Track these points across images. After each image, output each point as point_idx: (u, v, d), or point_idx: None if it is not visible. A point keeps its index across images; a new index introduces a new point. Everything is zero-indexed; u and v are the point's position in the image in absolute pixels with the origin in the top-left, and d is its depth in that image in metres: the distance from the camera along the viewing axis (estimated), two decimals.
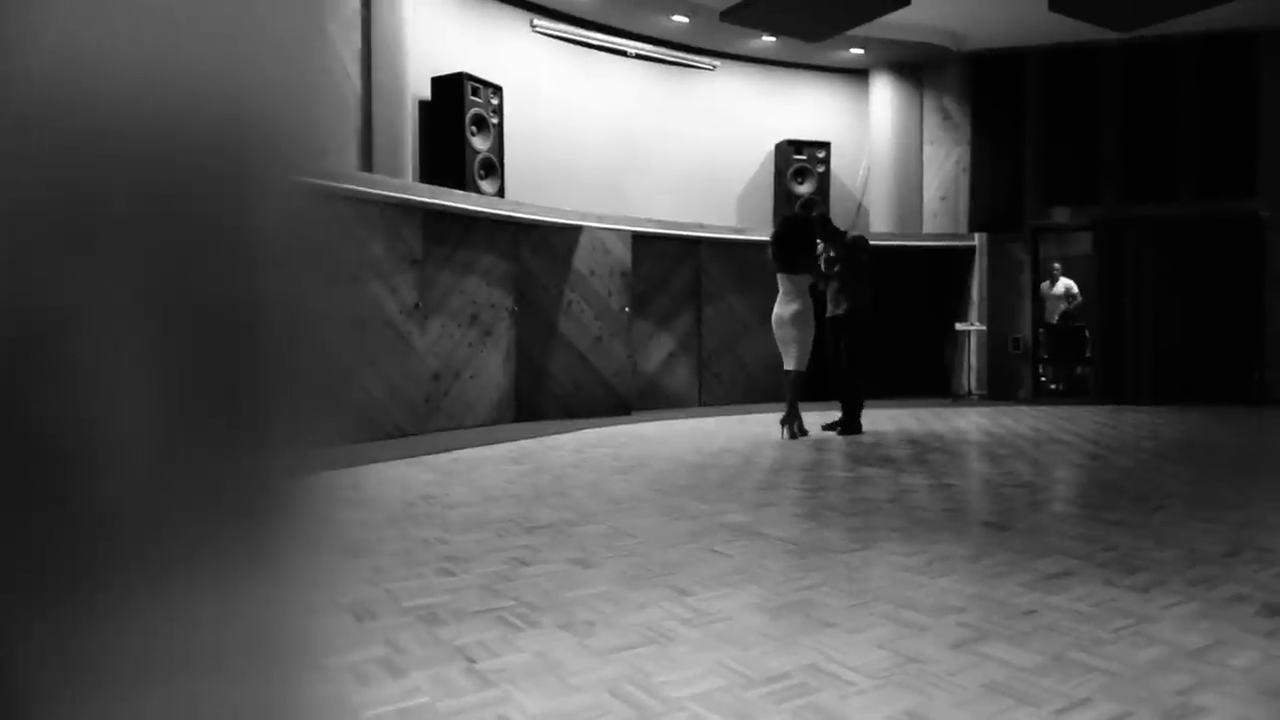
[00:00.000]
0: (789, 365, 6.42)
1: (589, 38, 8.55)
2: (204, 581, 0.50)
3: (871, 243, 6.95)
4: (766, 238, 8.87)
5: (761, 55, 9.54)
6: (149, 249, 0.46)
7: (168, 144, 0.47)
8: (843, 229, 7.00)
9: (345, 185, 5.80)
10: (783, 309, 6.43)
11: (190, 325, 0.48)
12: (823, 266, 6.68)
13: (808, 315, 6.39)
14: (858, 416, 6.70)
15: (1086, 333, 10.32)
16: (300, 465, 0.55)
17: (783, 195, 9.47)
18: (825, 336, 6.74)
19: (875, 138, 10.02)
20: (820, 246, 6.74)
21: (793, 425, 6.41)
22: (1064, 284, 10.90)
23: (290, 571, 0.54)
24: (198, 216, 0.48)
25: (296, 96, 0.53)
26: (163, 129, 0.46)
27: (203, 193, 0.48)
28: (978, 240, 9.72)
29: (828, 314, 6.75)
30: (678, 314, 8.71)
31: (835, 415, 6.91)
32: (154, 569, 0.47)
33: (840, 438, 6.49)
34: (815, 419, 6.87)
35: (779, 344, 6.51)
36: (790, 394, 6.41)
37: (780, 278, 6.46)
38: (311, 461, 0.55)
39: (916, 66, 9.91)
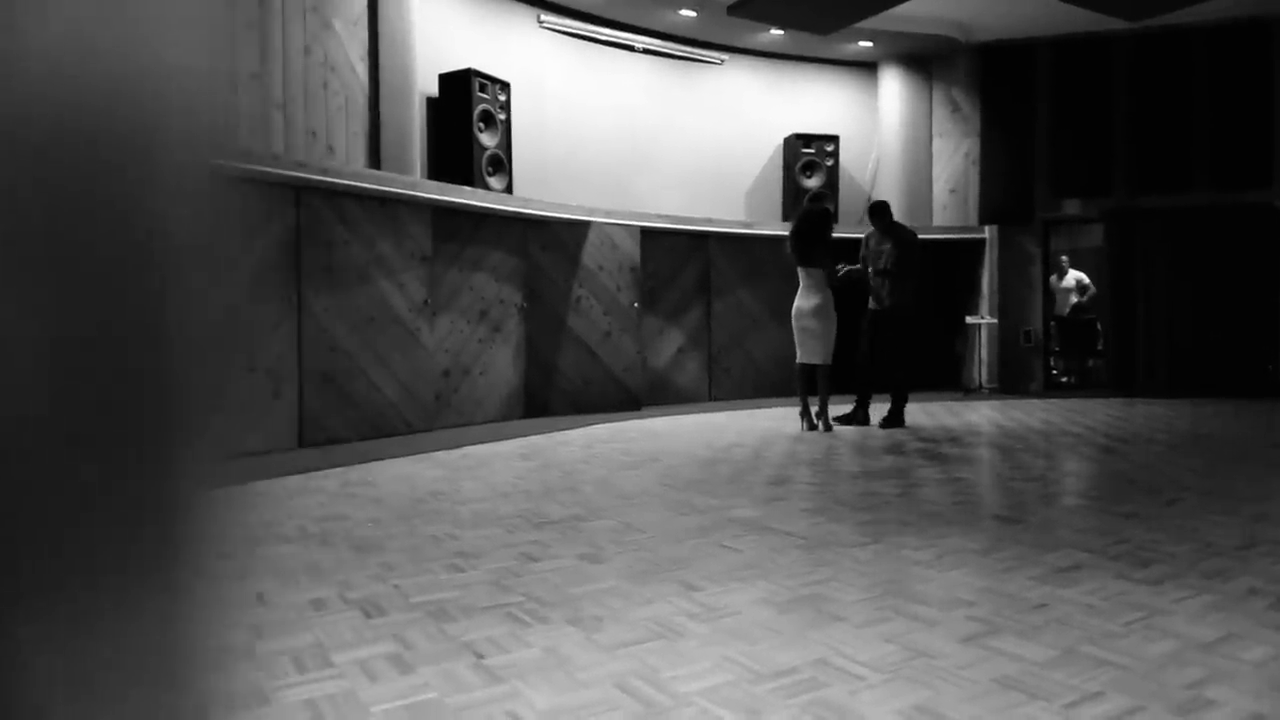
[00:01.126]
0: (811, 359, 6.44)
1: (596, 33, 8.54)
2: (96, 590, 0.48)
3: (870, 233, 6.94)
4: (775, 232, 8.89)
5: (769, 49, 9.51)
6: (39, 245, 0.44)
7: (51, 135, 0.45)
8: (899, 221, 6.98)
9: (354, 183, 5.81)
10: (804, 302, 6.44)
11: (85, 325, 0.46)
12: (884, 262, 6.68)
13: (829, 309, 6.41)
14: (901, 409, 6.73)
15: (1098, 325, 10.26)
16: (202, 471, 0.53)
17: (791, 189, 9.44)
18: (866, 329, 6.80)
19: (884, 131, 9.98)
20: (877, 240, 6.76)
21: (826, 418, 6.47)
22: (1073, 276, 10.84)
23: (187, 581, 0.53)
24: (90, 212, 0.46)
25: (190, 81, 0.51)
26: (47, 118, 0.45)
27: (95, 186, 0.46)
28: (988, 233, 9.66)
29: (871, 307, 6.78)
30: (687, 309, 8.70)
31: (848, 409, 6.91)
32: (45, 578, 0.46)
33: (853, 429, 6.54)
34: (839, 412, 6.84)
35: (797, 337, 6.52)
36: (822, 388, 6.46)
37: (800, 272, 6.48)
38: (214, 467, 0.53)
39: (925, 58, 9.86)
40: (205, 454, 0.53)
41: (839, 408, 6.98)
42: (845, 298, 6.80)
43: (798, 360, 6.54)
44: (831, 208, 7.13)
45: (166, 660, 0.53)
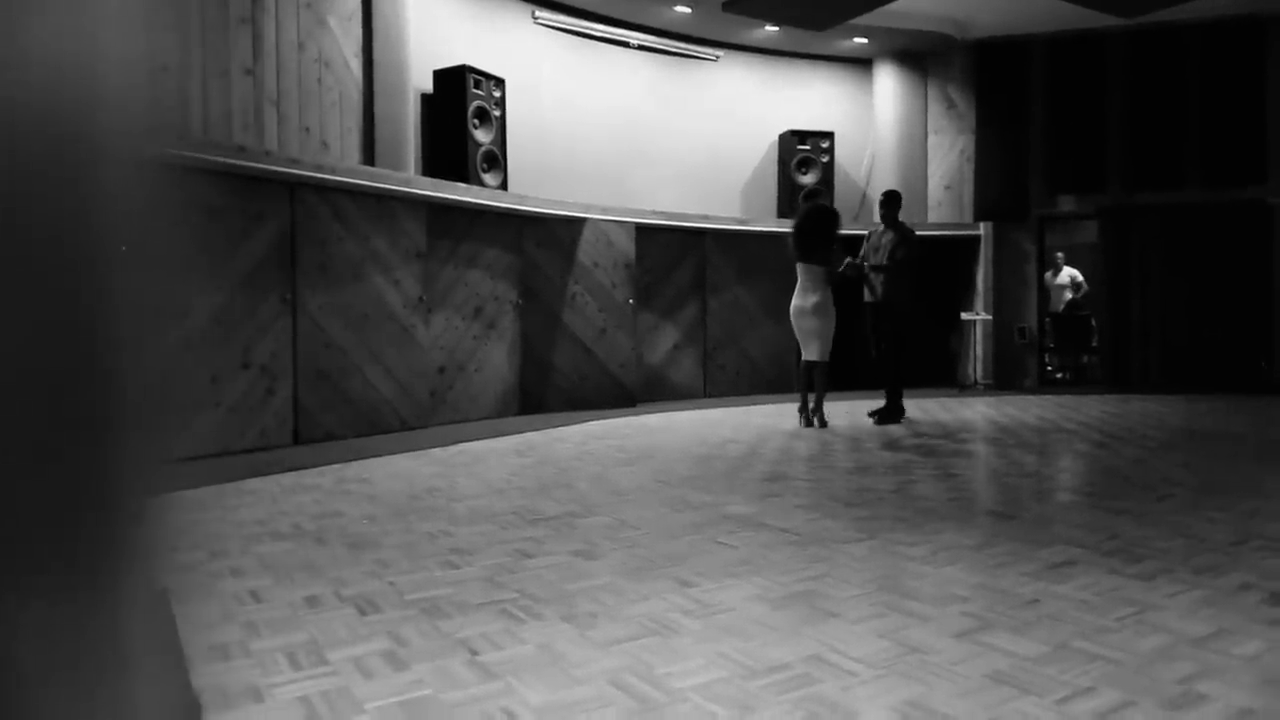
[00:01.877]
0: (811, 356, 6.47)
1: (591, 29, 8.53)
2: (33, 590, 0.47)
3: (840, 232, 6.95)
4: (770, 228, 8.89)
5: (764, 45, 9.50)
6: None
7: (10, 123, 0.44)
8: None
9: (349, 179, 5.80)
10: (803, 300, 6.46)
11: (24, 324, 0.46)
12: (882, 256, 6.72)
13: (828, 306, 6.43)
14: (898, 404, 6.76)
15: (1092, 321, 10.29)
16: (142, 471, 0.52)
17: (787, 186, 9.44)
18: (868, 323, 6.84)
19: (879, 127, 9.98)
20: (886, 235, 6.79)
21: (820, 415, 6.48)
22: (1068, 273, 10.87)
23: (125, 580, 0.52)
24: (30, 211, 0.46)
25: (127, 77, 0.50)
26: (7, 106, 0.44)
27: (34, 184, 0.46)
28: (983, 229, 9.68)
29: (867, 300, 6.82)
30: (682, 305, 8.70)
31: (874, 404, 6.97)
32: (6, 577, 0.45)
33: (874, 426, 6.57)
34: (838, 408, 6.85)
35: (799, 334, 6.54)
36: (819, 384, 6.48)
37: (800, 268, 6.49)
38: (153, 467, 0.53)
39: (920, 55, 9.86)
40: (144, 451, 0.52)
41: (869, 403, 6.96)
42: (843, 294, 6.82)
43: (804, 358, 6.57)
44: (895, 194, 7.07)
45: (105, 658, 0.52)
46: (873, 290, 6.79)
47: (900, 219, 6.86)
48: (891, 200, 6.86)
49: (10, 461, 0.45)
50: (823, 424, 6.46)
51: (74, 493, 0.49)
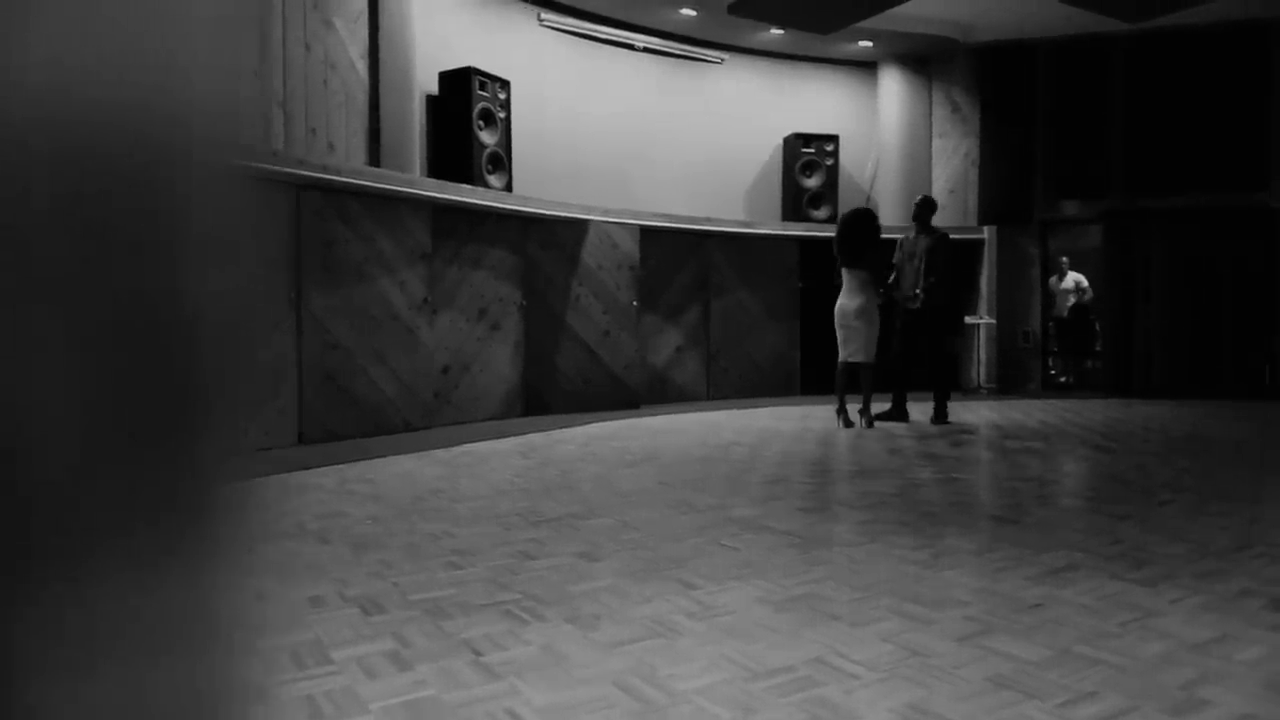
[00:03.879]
0: (854, 358, 6.56)
1: (597, 31, 8.54)
2: (123, 580, 0.49)
3: (882, 235, 7.01)
4: (774, 231, 8.91)
5: (769, 48, 9.52)
6: (68, 246, 0.45)
7: (82, 135, 0.45)
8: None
9: (354, 180, 5.82)
10: (848, 302, 6.56)
11: (112, 322, 0.47)
12: (919, 261, 6.84)
13: (872, 310, 6.53)
14: (945, 405, 6.91)
15: (1096, 326, 10.28)
16: (224, 465, 0.53)
17: (791, 189, 9.45)
18: (900, 329, 6.96)
19: (884, 131, 9.99)
20: (921, 240, 6.89)
21: (869, 415, 6.59)
22: (1073, 278, 10.85)
23: (211, 570, 0.54)
24: (116, 211, 0.47)
25: (214, 83, 0.52)
26: (75, 119, 0.45)
27: (120, 185, 0.47)
28: (987, 233, 9.68)
29: (911, 306, 6.93)
30: (686, 308, 8.71)
31: (885, 407, 7.06)
32: (73, 567, 0.47)
33: (881, 426, 6.68)
34: (832, 410, 6.86)
35: (840, 336, 6.63)
36: (865, 385, 6.57)
37: (845, 272, 6.59)
38: (235, 462, 0.54)
39: (925, 59, 9.87)
40: (226, 448, 0.54)
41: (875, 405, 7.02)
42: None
43: (840, 359, 6.65)
44: (929, 199, 7.17)
45: (190, 653, 0.54)
46: (914, 297, 6.88)
47: (884, 223, 6.96)
48: (926, 205, 6.95)
49: (99, 459, 0.47)
50: (870, 424, 6.56)
51: (160, 488, 0.51)
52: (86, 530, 0.46)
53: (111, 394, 0.47)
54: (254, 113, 5.62)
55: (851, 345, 6.54)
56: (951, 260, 6.88)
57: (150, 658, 0.51)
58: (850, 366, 6.61)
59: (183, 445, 0.51)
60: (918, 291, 6.82)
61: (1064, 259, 10.89)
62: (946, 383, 6.98)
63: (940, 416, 6.88)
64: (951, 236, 7.16)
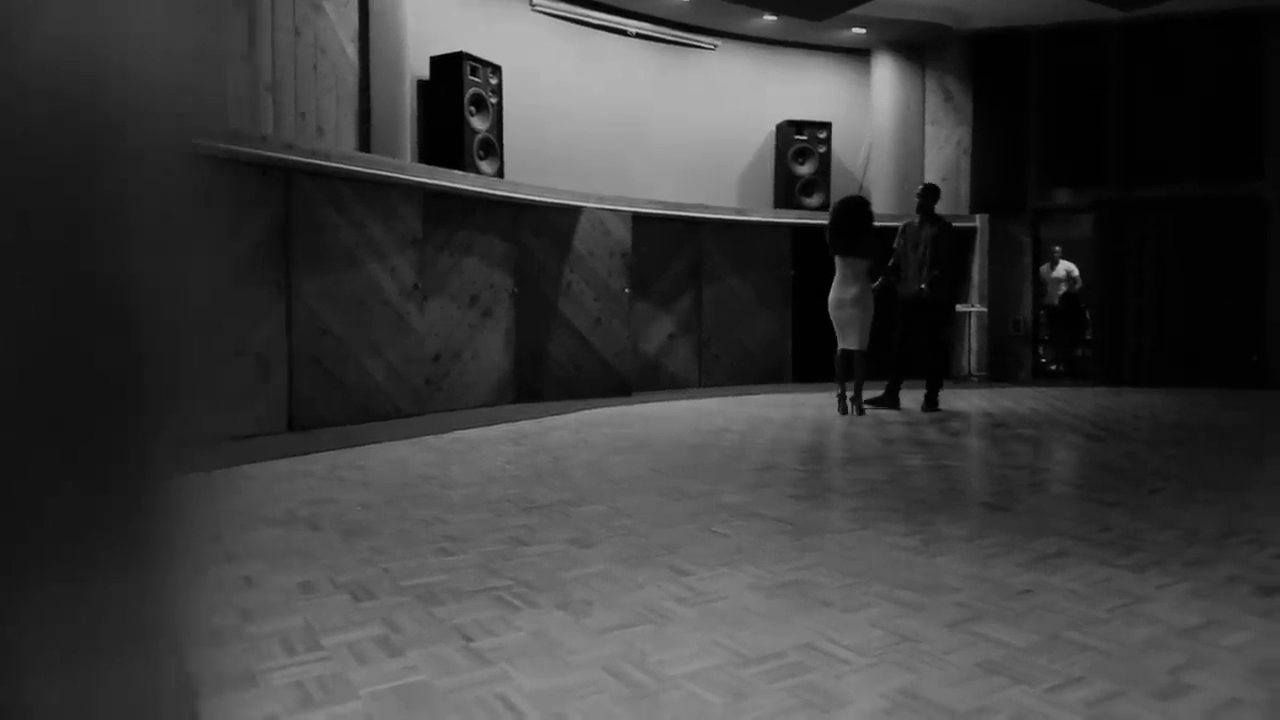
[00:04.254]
0: (850, 345, 6.60)
1: (589, 17, 8.49)
2: (69, 575, 0.48)
3: (875, 223, 7.01)
4: (767, 218, 8.90)
5: (763, 34, 9.48)
6: (12, 230, 0.44)
7: (31, 116, 0.44)
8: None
9: (344, 165, 5.78)
10: (842, 292, 6.58)
11: (59, 309, 0.46)
12: (924, 250, 6.84)
13: (867, 298, 6.56)
14: (936, 393, 6.92)
15: (1086, 314, 10.31)
16: (177, 458, 0.52)
17: (784, 176, 9.43)
18: (902, 317, 6.99)
19: (877, 118, 9.97)
20: (925, 229, 6.90)
21: (859, 402, 6.63)
22: (1064, 267, 10.88)
23: (162, 566, 0.52)
24: (65, 195, 0.46)
25: (173, 64, 0.50)
26: (25, 98, 0.44)
27: (70, 169, 0.46)
28: (979, 221, 9.68)
29: (908, 294, 6.95)
30: (678, 295, 8.70)
31: (878, 394, 7.10)
32: (17, 562, 0.46)
33: (874, 413, 6.71)
34: (824, 398, 6.88)
35: (836, 325, 6.66)
36: (858, 372, 6.61)
37: (839, 261, 6.61)
38: (189, 453, 0.53)
39: (918, 46, 9.84)
40: (183, 439, 0.52)
41: (869, 392, 7.06)
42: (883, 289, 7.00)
43: (839, 347, 6.69)
44: (933, 187, 7.19)
45: (142, 644, 0.52)
46: (915, 285, 6.89)
47: (876, 210, 6.97)
48: (930, 193, 6.96)
49: (39, 451, 0.45)
50: (860, 411, 6.60)
51: (101, 477, 0.49)
52: (19, 526, 0.45)
53: (46, 384, 0.45)
54: (235, 98, 5.57)
55: (847, 333, 6.59)
56: (955, 249, 6.88)
57: (91, 657, 0.49)
58: (847, 354, 6.66)
59: (123, 437, 0.49)
60: (922, 286, 6.81)
61: (1056, 248, 10.92)
62: (939, 370, 7.00)
63: (931, 404, 6.91)
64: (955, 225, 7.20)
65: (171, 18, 0.50)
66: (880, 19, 9.00)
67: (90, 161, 0.47)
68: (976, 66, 9.77)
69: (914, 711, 1.66)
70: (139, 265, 0.50)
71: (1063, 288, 10.83)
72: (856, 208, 6.60)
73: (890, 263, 7.03)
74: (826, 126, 9.48)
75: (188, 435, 0.53)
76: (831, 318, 6.68)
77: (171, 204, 0.51)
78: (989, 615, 2.18)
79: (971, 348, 9.73)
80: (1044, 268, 10.48)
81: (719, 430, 5.77)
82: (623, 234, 7.81)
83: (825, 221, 6.82)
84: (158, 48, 0.49)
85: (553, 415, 6.57)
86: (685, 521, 3.21)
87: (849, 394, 6.67)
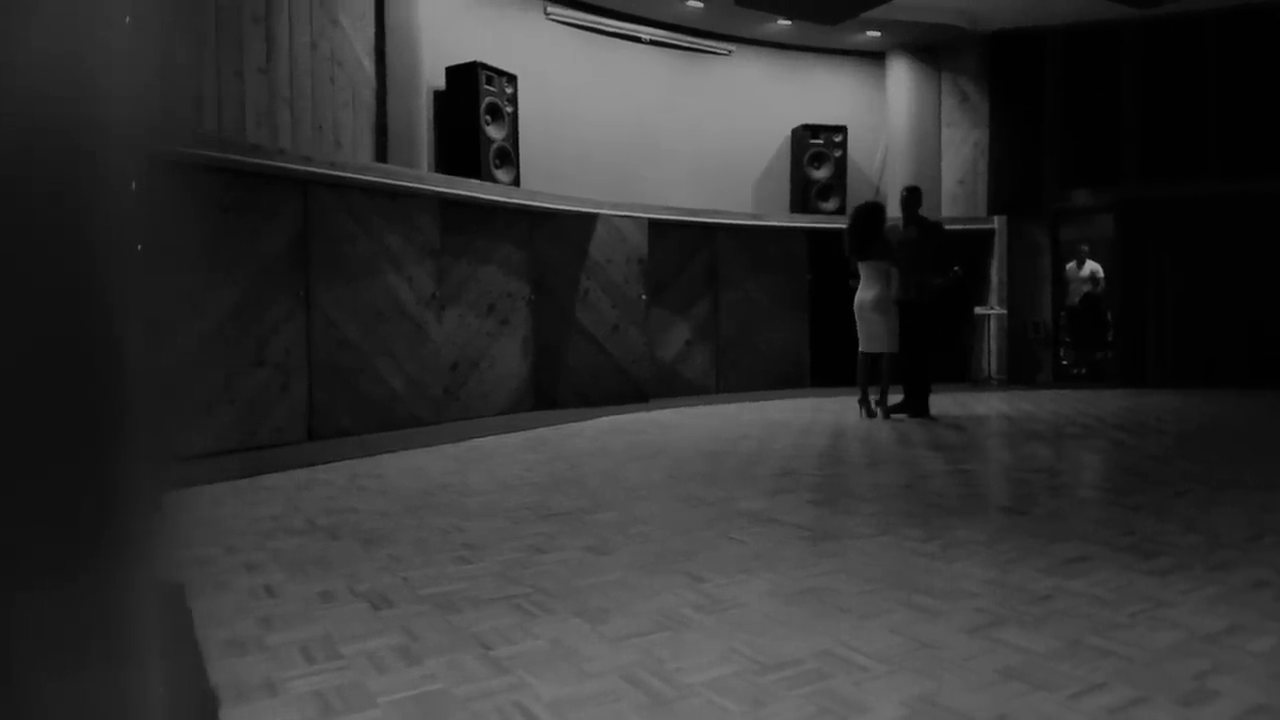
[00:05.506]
0: (874, 349, 6.61)
1: (603, 24, 8.52)
2: (33, 585, 0.48)
3: (888, 225, 6.97)
4: (783, 223, 8.90)
5: (777, 39, 9.48)
6: None
7: None
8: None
9: (361, 176, 5.82)
10: (864, 294, 6.64)
11: (24, 322, 0.45)
12: (911, 251, 6.81)
13: (888, 300, 6.58)
14: (924, 399, 6.78)
15: (1108, 316, 10.20)
16: (145, 469, 0.52)
17: (800, 181, 9.42)
18: (901, 323, 6.92)
19: (892, 121, 9.94)
20: (910, 230, 6.88)
21: (885, 406, 6.64)
22: (1090, 267, 10.74)
23: (129, 575, 0.52)
24: (32, 211, 0.46)
25: (136, 79, 0.50)
26: None
27: (36, 185, 0.46)
28: (997, 223, 9.63)
29: (898, 300, 6.90)
30: (695, 301, 8.70)
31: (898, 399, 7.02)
32: None
33: (895, 418, 6.63)
34: (854, 403, 6.86)
35: (860, 328, 6.69)
36: (884, 376, 6.62)
37: (861, 265, 6.66)
38: (157, 464, 0.52)
39: (934, 48, 9.81)
40: (148, 450, 0.52)
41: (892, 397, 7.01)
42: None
43: (860, 350, 6.70)
44: (915, 189, 7.17)
45: (106, 653, 0.52)
46: (907, 288, 6.84)
47: (921, 213, 6.91)
48: (911, 196, 6.91)
49: (13, 459, 0.45)
50: (886, 415, 6.60)
51: (76, 490, 0.49)
52: None
53: (20, 396, 0.45)
54: (254, 111, 5.62)
55: (871, 336, 6.62)
56: (942, 249, 6.76)
57: (48, 669, 0.49)
58: (869, 357, 6.66)
59: (97, 448, 0.49)
60: (910, 294, 6.74)
61: (1084, 247, 10.78)
62: (919, 373, 6.76)
63: (914, 409, 6.70)
64: (946, 227, 7.12)
65: (136, 27, 0.50)
66: (895, 22, 8.97)
67: (50, 171, 0.47)
68: (992, 68, 9.72)
69: (934, 718, 1.65)
70: (104, 272, 0.49)
71: (1086, 288, 10.70)
72: (867, 212, 6.67)
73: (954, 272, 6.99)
74: (842, 130, 9.46)
75: (155, 444, 0.52)
76: (857, 320, 6.74)
77: (138, 211, 0.51)
78: (1009, 621, 2.17)
79: (991, 350, 9.66)
80: (1070, 266, 10.38)
81: (736, 436, 5.75)
82: (639, 240, 7.82)
83: (841, 226, 6.87)
84: (123, 57, 0.49)
85: (570, 423, 6.58)
86: (703, 528, 3.21)
87: (873, 397, 6.66)
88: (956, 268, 6.84)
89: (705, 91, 9.29)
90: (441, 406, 6.57)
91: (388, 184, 6.04)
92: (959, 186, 9.92)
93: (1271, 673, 1.84)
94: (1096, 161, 9.44)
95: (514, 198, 7.01)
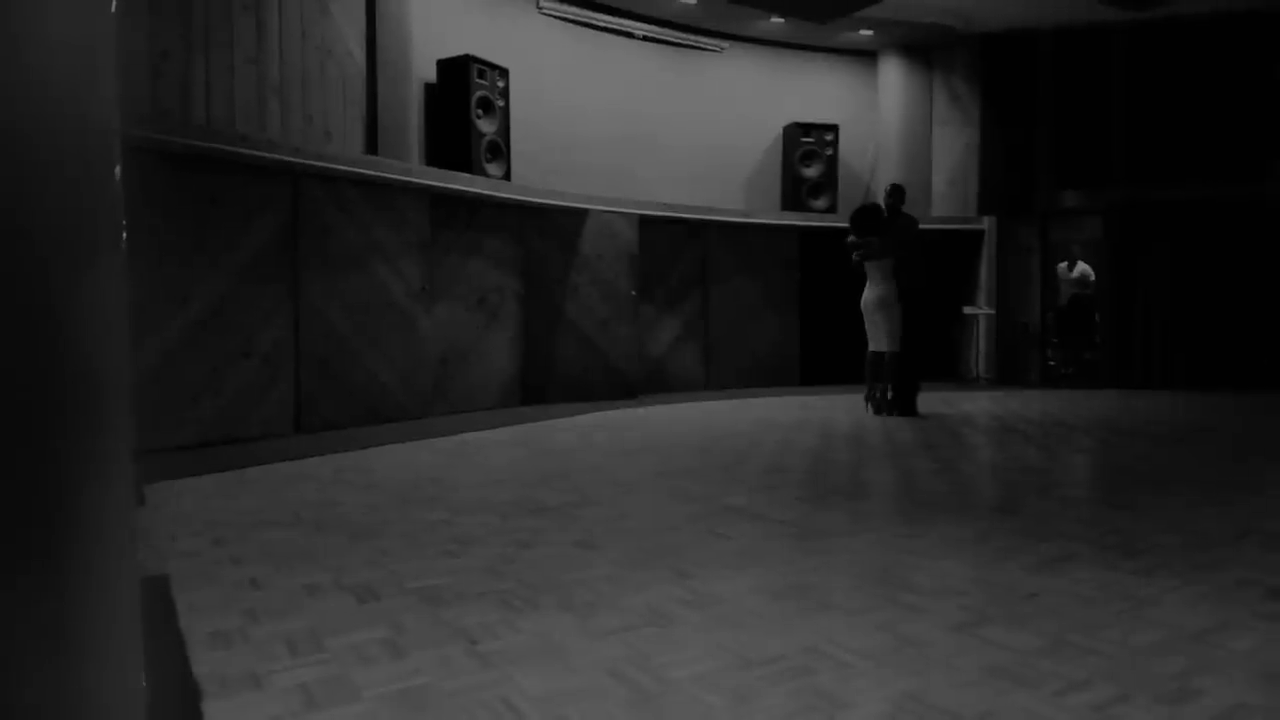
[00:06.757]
0: (879, 347, 6.72)
1: (596, 19, 8.50)
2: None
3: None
4: (774, 221, 8.90)
5: (770, 37, 9.48)
6: None
7: None
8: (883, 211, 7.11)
9: (351, 168, 5.79)
10: (868, 293, 6.78)
11: None
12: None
13: (890, 299, 6.67)
14: (911, 397, 6.79)
15: (1096, 317, 10.24)
16: (97, 469, 0.51)
17: (791, 178, 9.42)
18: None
19: (884, 120, 9.95)
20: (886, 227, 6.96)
21: (884, 401, 6.72)
22: (1081, 268, 10.75)
23: (82, 577, 0.51)
24: None
25: (76, 73, 0.49)
26: None
27: None
28: (986, 224, 9.66)
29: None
30: (685, 297, 8.70)
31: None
32: None
33: (890, 415, 6.69)
34: (843, 401, 6.87)
35: (866, 325, 6.82)
36: (887, 374, 6.71)
37: (866, 265, 6.77)
38: (110, 463, 0.51)
39: (926, 48, 9.83)
40: (100, 446, 0.51)
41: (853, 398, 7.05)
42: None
43: (869, 349, 6.82)
44: (872, 203, 7.30)
45: (51, 649, 0.51)
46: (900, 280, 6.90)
47: (904, 210, 6.94)
48: (895, 193, 6.94)
49: None
50: (890, 412, 6.68)
51: (30, 486, 0.48)
52: None
53: None
54: (242, 101, 5.58)
55: (875, 335, 6.73)
56: (909, 243, 6.71)
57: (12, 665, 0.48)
58: (876, 355, 6.78)
59: (51, 445, 0.48)
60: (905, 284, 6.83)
61: (1076, 247, 10.80)
62: (908, 371, 6.77)
63: (903, 408, 6.72)
64: (951, 227, 7.16)
65: (64, 10, 0.49)
66: (887, 21, 8.98)
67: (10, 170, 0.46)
68: (984, 68, 9.75)
69: (918, 715, 1.65)
70: (44, 268, 0.48)
71: (1075, 289, 10.72)
72: (866, 214, 6.84)
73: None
74: (834, 129, 9.47)
75: (109, 442, 0.51)
76: (864, 319, 6.86)
77: (74, 201, 0.50)
78: (995, 618, 2.17)
79: (979, 350, 9.70)
80: (1061, 266, 10.40)
81: (725, 433, 5.76)
82: (629, 236, 7.81)
83: (832, 224, 6.96)
84: (50, 43, 0.48)
85: (559, 418, 6.57)
86: (689, 524, 3.21)
87: (877, 394, 6.75)
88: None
89: (697, 88, 9.28)
90: (430, 400, 6.55)
91: (378, 176, 6.01)
92: (949, 186, 9.94)
93: (1253, 671, 1.85)
94: (1086, 163, 9.48)
95: (505, 192, 6.99)
